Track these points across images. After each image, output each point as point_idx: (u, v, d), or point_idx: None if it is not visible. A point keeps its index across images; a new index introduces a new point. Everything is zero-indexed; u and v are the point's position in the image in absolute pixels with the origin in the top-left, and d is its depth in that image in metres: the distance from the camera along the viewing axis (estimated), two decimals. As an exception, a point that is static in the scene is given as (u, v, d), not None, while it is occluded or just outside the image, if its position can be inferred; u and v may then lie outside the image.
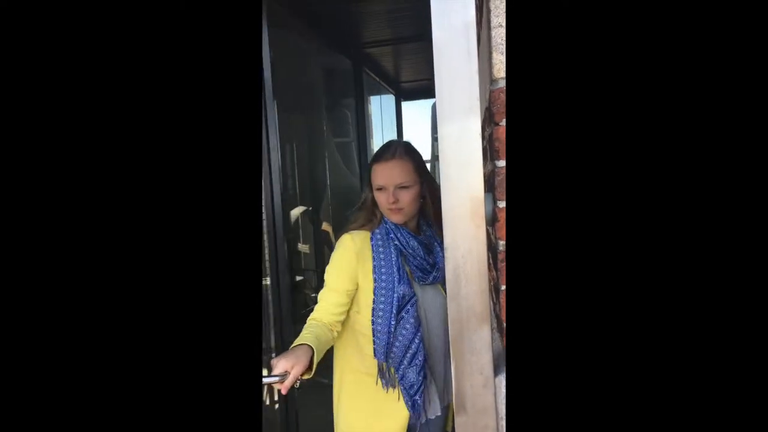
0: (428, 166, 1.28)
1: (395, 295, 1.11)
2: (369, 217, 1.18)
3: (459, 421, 0.59)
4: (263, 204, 1.58)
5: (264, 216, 1.58)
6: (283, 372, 0.88)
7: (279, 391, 1.14)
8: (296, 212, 2.04)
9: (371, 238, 1.15)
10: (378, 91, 3.48)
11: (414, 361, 1.11)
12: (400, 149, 1.16)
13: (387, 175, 1.12)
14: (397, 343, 1.11)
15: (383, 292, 1.11)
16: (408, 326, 1.12)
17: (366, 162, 2.83)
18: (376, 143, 3.63)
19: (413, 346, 1.12)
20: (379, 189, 1.13)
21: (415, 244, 1.15)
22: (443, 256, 0.99)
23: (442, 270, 1.02)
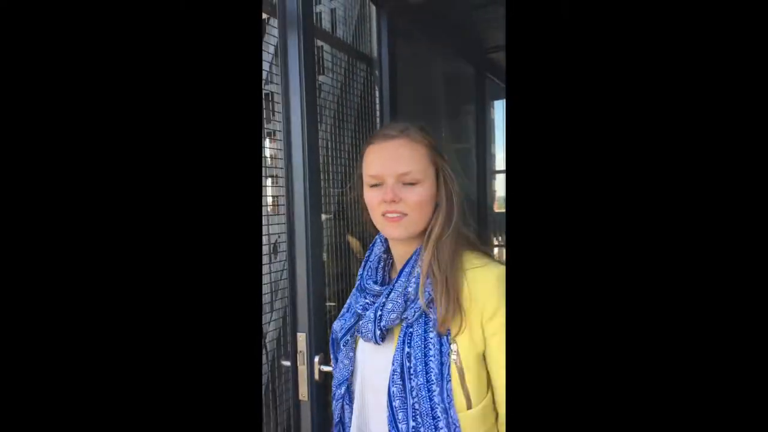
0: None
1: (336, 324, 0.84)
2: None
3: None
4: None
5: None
6: None
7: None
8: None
9: None
10: (500, 96, 3.41)
11: (337, 418, 0.81)
12: (412, 128, 0.75)
13: (387, 159, 0.72)
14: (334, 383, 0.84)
15: None
16: (337, 369, 0.83)
17: (486, 168, 2.79)
18: (498, 148, 3.55)
19: (336, 396, 0.82)
20: (374, 185, 0.74)
21: (358, 292, 0.80)
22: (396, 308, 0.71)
23: (381, 326, 0.73)
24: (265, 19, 1.28)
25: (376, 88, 1.70)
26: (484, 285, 0.70)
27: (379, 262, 0.82)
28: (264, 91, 1.35)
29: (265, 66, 1.32)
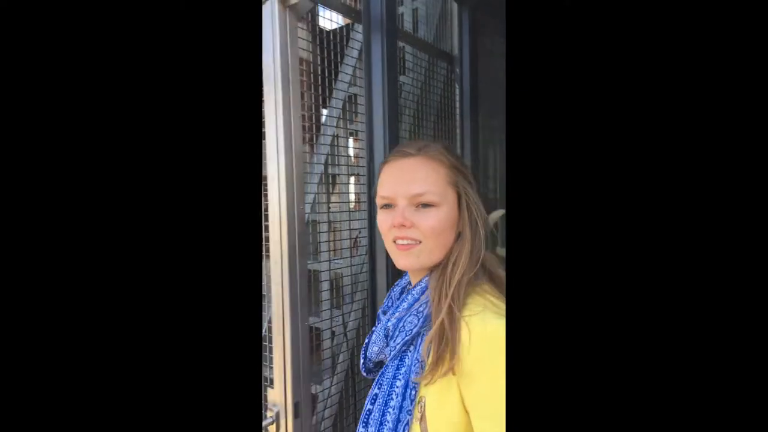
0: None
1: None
2: None
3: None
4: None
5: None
6: None
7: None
8: (496, 215, 2.05)
9: None
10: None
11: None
12: (432, 145, 0.67)
13: (400, 179, 0.64)
14: None
15: None
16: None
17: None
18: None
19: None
20: (385, 206, 0.66)
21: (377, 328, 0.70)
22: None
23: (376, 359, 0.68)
24: (348, 24, 1.34)
25: (456, 85, 1.70)
26: (471, 338, 0.56)
27: (401, 293, 0.74)
28: (348, 93, 1.41)
29: (349, 70, 1.38)
